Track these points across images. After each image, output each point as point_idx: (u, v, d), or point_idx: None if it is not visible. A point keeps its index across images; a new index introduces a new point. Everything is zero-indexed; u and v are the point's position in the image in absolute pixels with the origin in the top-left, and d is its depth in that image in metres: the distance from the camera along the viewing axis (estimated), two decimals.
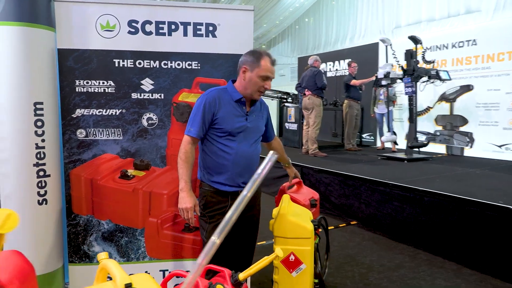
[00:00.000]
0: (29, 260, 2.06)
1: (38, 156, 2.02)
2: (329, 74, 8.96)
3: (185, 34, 2.15)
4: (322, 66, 9.12)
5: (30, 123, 1.99)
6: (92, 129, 2.15)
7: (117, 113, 2.16)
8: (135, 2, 2.10)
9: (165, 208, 2.26)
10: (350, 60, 7.24)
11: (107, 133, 2.17)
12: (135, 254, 2.28)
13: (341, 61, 8.56)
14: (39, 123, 2.01)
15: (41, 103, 2.02)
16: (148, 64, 2.15)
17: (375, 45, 7.57)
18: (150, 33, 2.13)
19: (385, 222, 3.92)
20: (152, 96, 2.18)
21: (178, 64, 2.18)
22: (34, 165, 2.02)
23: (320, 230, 2.39)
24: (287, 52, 12.51)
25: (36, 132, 2.01)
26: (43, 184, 2.05)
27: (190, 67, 2.19)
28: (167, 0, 2.12)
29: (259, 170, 1.15)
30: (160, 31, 2.14)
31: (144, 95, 2.17)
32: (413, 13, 8.01)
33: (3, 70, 1.93)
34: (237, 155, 1.85)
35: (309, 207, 2.62)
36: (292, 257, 2.05)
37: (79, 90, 2.12)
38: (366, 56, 7.78)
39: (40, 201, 2.05)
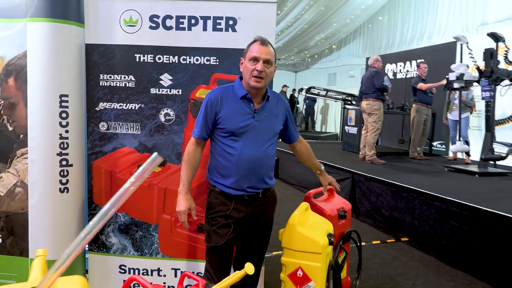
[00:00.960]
0: (51, 244, 2.18)
1: (62, 146, 2.12)
2: (398, 76, 8.31)
3: (205, 28, 2.09)
4: (391, 67, 8.50)
5: (55, 114, 2.09)
6: (113, 123, 2.20)
7: (136, 108, 2.17)
8: None
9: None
10: (420, 60, 6.61)
11: (126, 127, 2.19)
12: (148, 249, 2.28)
13: (413, 62, 7.87)
14: (63, 115, 2.11)
15: (67, 96, 2.11)
16: (168, 59, 2.13)
17: (453, 44, 6.80)
18: (170, 27, 2.11)
19: (440, 242, 3.46)
20: (170, 91, 2.15)
21: (197, 60, 2.12)
22: (57, 154, 2.12)
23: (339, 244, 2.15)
24: (358, 52, 11.92)
25: (60, 123, 2.11)
26: (65, 173, 2.15)
27: (208, 62, 2.12)
28: None
29: (134, 175, 0.98)
30: (180, 25, 2.10)
31: (162, 91, 2.15)
32: (504, 8, 7.03)
33: (34, 64, 2.05)
34: (241, 157, 1.71)
35: (335, 219, 2.39)
36: (300, 272, 1.88)
37: (103, 84, 2.17)
38: (442, 56, 7.04)
39: (62, 189, 2.14)
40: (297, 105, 13.02)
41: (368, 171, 4.81)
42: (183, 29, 2.10)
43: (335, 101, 8.96)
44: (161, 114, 2.18)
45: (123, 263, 2.31)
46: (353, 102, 8.39)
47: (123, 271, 2.32)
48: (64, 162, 2.14)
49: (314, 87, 8.31)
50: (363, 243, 3.71)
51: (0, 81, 2.12)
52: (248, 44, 1.74)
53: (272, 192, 1.92)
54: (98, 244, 2.31)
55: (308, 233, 1.88)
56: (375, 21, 11.13)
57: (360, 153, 5.95)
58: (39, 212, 2.14)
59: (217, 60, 2.11)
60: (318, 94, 8.54)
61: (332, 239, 1.99)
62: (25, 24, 2.05)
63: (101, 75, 2.17)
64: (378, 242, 3.79)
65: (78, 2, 2.11)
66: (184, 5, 2.09)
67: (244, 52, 1.74)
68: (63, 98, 2.10)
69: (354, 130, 6.87)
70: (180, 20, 2.09)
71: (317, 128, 13.48)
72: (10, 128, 2.15)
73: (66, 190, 2.16)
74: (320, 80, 13.50)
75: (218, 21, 2.08)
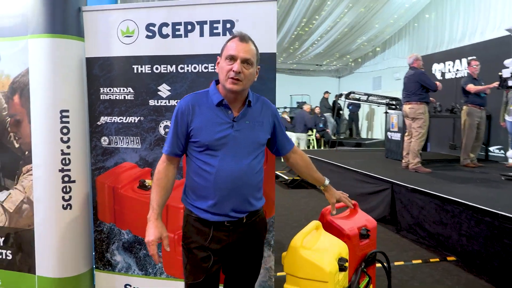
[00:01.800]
0: (56, 261, 2.15)
1: (64, 162, 2.09)
2: (447, 76, 7.65)
3: (202, 34, 1.96)
4: (439, 67, 7.88)
5: (56, 130, 2.07)
6: (114, 137, 2.13)
7: (136, 121, 2.09)
8: (153, 5, 2.01)
9: (182, 223, 2.08)
10: (470, 58, 6.00)
11: (127, 141, 2.12)
12: (152, 269, 2.17)
13: (463, 60, 7.20)
14: (64, 130, 2.08)
15: (67, 111, 2.08)
16: (165, 68, 2.03)
17: (508, 38, 6.12)
18: (166, 35, 2.01)
19: (492, 264, 3.00)
20: (169, 102, 2.05)
21: (195, 68, 2.00)
22: (59, 170, 2.09)
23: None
24: (403, 54, 11.24)
25: (61, 138, 2.08)
26: (68, 190, 2.11)
27: (206, 70, 1.99)
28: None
29: None
30: (177, 32, 1.99)
31: (161, 102, 2.05)
32: None
33: (35, 80, 2.06)
34: (219, 174, 1.44)
35: (356, 239, 2.12)
36: None
37: (103, 98, 2.13)
38: (496, 52, 6.36)
39: (65, 206, 2.11)
40: (341, 111, 12.58)
41: (410, 181, 4.38)
42: (180, 36, 1.99)
43: (378, 106, 8.45)
44: (160, 126, 2.07)
45: (128, 283, 2.22)
46: (397, 107, 7.86)
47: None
48: (66, 178, 2.10)
49: (354, 92, 7.91)
50: (400, 263, 3.34)
51: (6, 98, 2.15)
52: (226, 41, 1.48)
53: (260, 216, 1.62)
54: (104, 262, 2.24)
55: (313, 257, 1.65)
56: (422, 19, 10.44)
57: (403, 161, 5.48)
58: (44, 229, 2.13)
59: (215, 67, 1.97)
60: (359, 99, 8.11)
61: (345, 264, 1.74)
62: (27, 41, 2.06)
63: (101, 89, 2.12)
64: (420, 261, 3.39)
65: (77, 16, 2.09)
66: (180, 11, 1.98)
67: (221, 49, 1.48)
68: (64, 114, 2.07)
69: (397, 136, 6.39)
70: (176, 27, 1.99)
71: (363, 134, 12.89)
72: (17, 145, 2.16)
73: (69, 207, 2.12)
74: (365, 85, 12.94)
75: (215, 25, 1.94)
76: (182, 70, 2.01)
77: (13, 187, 2.19)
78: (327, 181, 1.84)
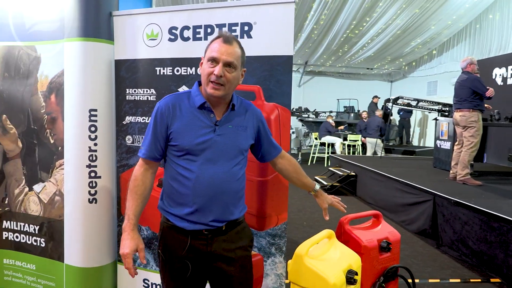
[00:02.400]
0: (82, 252, 2.28)
1: (91, 158, 2.21)
2: (510, 81, 7.00)
3: None
4: (500, 72, 7.24)
5: (84, 128, 2.19)
6: (137, 136, 2.22)
7: None
8: (175, 9, 2.06)
9: None
10: None
11: None
12: None
13: None
14: (92, 128, 2.20)
15: (95, 110, 2.20)
16: (185, 71, 2.08)
17: None
18: (187, 38, 2.05)
19: None
20: None
21: None
22: (87, 166, 2.21)
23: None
24: (462, 57, 10.48)
25: (89, 136, 2.20)
26: (94, 185, 2.23)
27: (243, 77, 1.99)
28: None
29: None
30: (197, 35, 2.03)
31: None
32: None
33: (68, 81, 2.20)
34: (199, 180, 1.36)
35: (375, 251, 2.02)
36: None
37: (129, 99, 2.22)
38: None
39: (91, 200, 2.23)
40: (391, 117, 12.04)
41: (455, 193, 4.07)
42: (200, 39, 2.02)
43: (429, 112, 7.95)
44: None
45: (146, 277, 2.30)
46: (449, 113, 7.36)
47: (146, 285, 2.30)
48: (92, 174, 2.22)
49: (402, 97, 7.52)
50: (435, 280, 3.11)
51: (45, 97, 2.32)
52: (210, 40, 1.40)
53: (242, 225, 1.50)
54: None
55: (318, 267, 1.58)
56: (484, 20, 9.69)
57: (451, 171, 5.10)
58: (72, 220, 2.26)
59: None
60: (408, 105, 7.69)
61: (355, 277, 1.65)
62: (63, 44, 2.21)
63: (127, 90, 2.22)
64: (458, 280, 3.13)
65: (108, 20, 2.21)
66: (201, 14, 2.01)
67: (205, 49, 1.40)
68: (92, 113, 2.19)
69: (446, 145, 5.97)
70: (197, 30, 2.02)
71: (414, 142, 12.23)
72: (52, 141, 2.33)
73: (94, 201, 2.24)
74: (419, 89, 12.27)
75: (233, 28, 1.95)
76: None
77: (47, 179, 2.36)
78: (317, 186, 1.71)
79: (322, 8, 9.29)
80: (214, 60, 1.33)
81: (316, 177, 7.27)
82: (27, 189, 2.42)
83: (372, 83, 14.84)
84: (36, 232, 2.41)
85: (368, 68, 14.12)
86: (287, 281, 2.41)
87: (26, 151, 2.41)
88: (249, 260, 1.52)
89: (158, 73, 2.13)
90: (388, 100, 7.81)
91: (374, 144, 9.17)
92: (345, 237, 2.11)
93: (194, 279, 1.44)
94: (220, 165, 1.39)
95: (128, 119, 2.23)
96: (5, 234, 2.49)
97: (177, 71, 2.09)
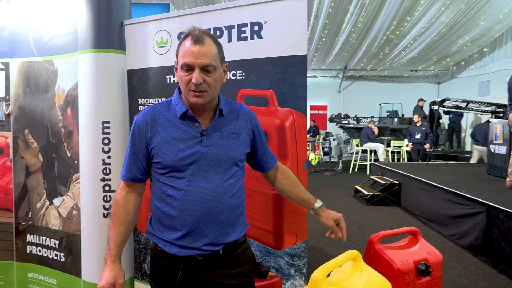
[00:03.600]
0: (98, 268, 2.21)
1: (104, 171, 2.15)
2: None
3: (230, 39, 1.84)
4: None
5: (98, 141, 2.14)
6: None
7: None
8: (185, 13, 1.96)
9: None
10: None
11: None
12: None
13: None
14: (106, 141, 2.15)
15: (108, 122, 2.15)
16: None
17: None
18: None
19: None
20: None
21: None
22: (101, 180, 2.16)
23: None
24: None
25: (103, 149, 2.15)
26: (108, 199, 2.17)
27: (234, 77, 1.85)
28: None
29: None
30: None
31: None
32: None
33: (82, 93, 2.17)
34: (187, 200, 1.20)
35: (411, 275, 1.75)
36: None
37: (141, 109, 2.14)
38: None
39: (105, 214, 2.17)
40: (441, 121, 11.29)
41: None
42: None
43: (481, 114, 7.30)
44: None
45: None
46: (504, 115, 6.70)
47: None
48: (107, 188, 2.16)
49: (449, 99, 6.96)
50: None
51: (61, 111, 2.31)
52: (179, 41, 1.23)
53: (243, 247, 1.33)
54: (141, 272, 2.25)
55: None
56: None
57: (507, 179, 4.57)
58: (88, 235, 2.21)
59: (243, 74, 1.83)
60: (456, 107, 7.10)
61: None
62: (77, 56, 2.19)
63: (139, 100, 2.15)
64: None
65: (120, 29, 2.16)
66: (210, 17, 1.89)
67: (176, 49, 1.24)
68: (105, 125, 2.14)
69: (502, 150, 5.39)
70: None
71: (467, 147, 11.36)
72: (69, 154, 2.31)
73: (109, 216, 2.17)
74: (470, 91, 11.42)
75: (242, 29, 1.81)
76: None
77: (65, 193, 2.34)
78: (318, 204, 1.45)
79: (359, 10, 8.94)
80: (189, 68, 1.16)
81: (357, 187, 6.90)
82: (48, 203, 2.42)
83: (417, 86, 14.09)
84: (57, 246, 2.39)
85: (412, 70, 13.43)
86: None
87: (46, 165, 2.41)
88: (250, 285, 1.34)
89: (168, 81, 2.04)
90: (433, 103, 7.27)
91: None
92: (375, 259, 1.86)
93: None
94: (211, 180, 1.22)
95: None
96: (29, 248, 2.50)
97: None
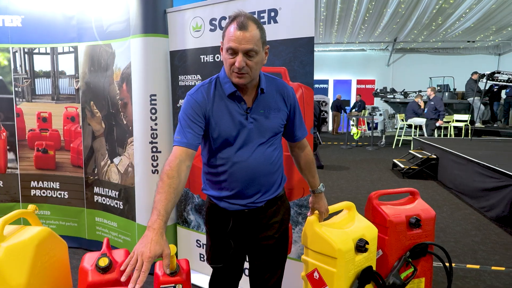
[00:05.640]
0: (148, 213, 2.73)
1: (152, 136, 2.63)
2: None
3: None
4: None
5: (147, 110, 2.61)
6: None
7: None
8: (214, 2, 2.30)
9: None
10: None
11: None
12: None
13: None
14: (153, 111, 2.61)
15: (155, 95, 2.59)
16: None
17: None
18: None
19: None
20: None
21: None
22: (149, 142, 2.64)
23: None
24: None
25: (151, 117, 2.61)
26: (156, 158, 2.65)
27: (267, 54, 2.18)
28: None
29: None
30: None
31: None
32: None
33: (134, 71, 2.62)
34: (235, 167, 1.41)
35: (402, 226, 2.05)
36: (316, 275, 1.75)
37: (181, 84, 2.56)
38: None
39: (153, 171, 2.66)
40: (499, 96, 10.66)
41: None
42: None
43: None
44: None
45: (198, 238, 2.66)
46: None
47: (198, 245, 2.67)
48: (154, 149, 2.64)
49: (499, 72, 6.64)
50: (500, 268, 2.89)
51: (118, 86, 2.80)
52: (226, 24, 1.34)
53: (281, 200, 1.57)
54: (182, 219, 2.74)
55: (325, 233, 1.70)
56: None
57: None
58: (140, 188, 2.73)
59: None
60: (507, 81, 6.76)
61: (366, 246, 1.73)
62: (130, 40, 2.64)
63: (179, 76, 2.56)
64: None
65: (163, 16, 2.56)
66: (235, 5, 2.22)
67: (222, 32, 1.36)
68: (152, 97, 2.59)
69: None
70: None
71: None
72: (125, 122, 2.81)
73: (156, 172, 2.66)
74: None
75: (261, 15, 2.12)
76: None
77: (123, 154, 2.86)
78: (319, 189, 1.70)
79: None
80: (233, 51, 1.30)
81: (394, 160, 6.98)
82: (109, 161, 2.97)
83: (475, 58, 13.29)
84: (116, 196, 2.95)
85: (469, 41, 12.66)
86: None
87: (107, 131, 2.95)
88: (286, 233, 1.60)
89: (202, 61, 2.42)
90: (482, 76, 6.99)
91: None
92: (373, 212, 2.17)
93: (236, 254, 1.57)
94: (254, 150, 1.42)
95: (181, 102, 2.58)
96: (96, 198, 3.10)
97: (217, 58, 2.35)
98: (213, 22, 2.33)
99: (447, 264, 2.15)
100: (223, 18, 2.28)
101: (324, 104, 14.34)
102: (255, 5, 2.14)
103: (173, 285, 1.62)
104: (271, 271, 1.56)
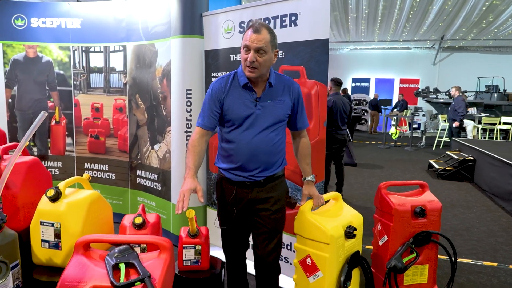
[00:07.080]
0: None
1: (187, 125, 2.96)
2: None
3: (274, 27, 2.40)
4: None
5: (183, 103, 2.94)
6: None
7: None
8: (243, 6, 2.58)
9: None
10: None
11: None
12: None
13: None
14: (188, 103, 2.94)
15: (190, 90, 2.92)
16: None
17: None
18: None
19: None
20: None
21: None
22: (185, 131, 2.97)
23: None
24: None
25: (186, 109, 2.94)
26: None
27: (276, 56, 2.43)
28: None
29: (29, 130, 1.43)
30: None
31: None
32: None
33: (174, 68, 2.97)
34: (241, 144, 1.72)
35: (406, 215, 2.22)
36: (308, 260, 1.93)
37: (213, 80, 2.86)
38: None
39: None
40: None
41: None
42: None
43: None
44: None
45: None
46: None
47: None
48: (188, 138, 2.97)
49: None
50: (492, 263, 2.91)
51: (159, 81, 3.17)
52: (245, 29, 1.69)
53: (279, 179, 1.84)
54: (211, 201, 3.05)
55: (317, 221, 1.86)
56: None
57: None
58: (176, 171, 3.08)
59: (283, 54, 2.40)
60: None
61: (354, 232, 1.90)
62: (170, 41, 2.98)
63: (212, 73, 2.87)
64: None
65: (200, 19, 2.88)
66: (261, 9, 2.47)
67: (242, 37, 1.69)
68: (188, 91, 2.92)
69: None
70: None
71: None
72: (164, 113, 3.17)
73: None
74: None
75: (284, 18, 2.36)
76: None
77: (162, 141, 3.23)
78: (310, 177, 1.92)
79: None
80: (247, 48, 1.63)
81: (430, 161, 6.89)
82: (150, 147, 3.35)
83: None
84: (156, 179, 3.33)
85: None
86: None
87: (149, 121, 3.34)
88: (281, 206, 1.85)
89: (231, 59, 2.71)
90: None
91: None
92: (380, 201, 2.34)
93: (239, 220, 1.84)
94: (258, 132, 1.72)
95: None
96: (138, 180, 3.51)
97: None
98: (242, 24, 2.60)
99: (453, 259, 2.27)
100: (251, 21, 2.54)
101: (364, 103, 14.18)
102: (278, 10, 2.38)
103: (193, 245, 1.93)
104: (269, 238, 1.82)
